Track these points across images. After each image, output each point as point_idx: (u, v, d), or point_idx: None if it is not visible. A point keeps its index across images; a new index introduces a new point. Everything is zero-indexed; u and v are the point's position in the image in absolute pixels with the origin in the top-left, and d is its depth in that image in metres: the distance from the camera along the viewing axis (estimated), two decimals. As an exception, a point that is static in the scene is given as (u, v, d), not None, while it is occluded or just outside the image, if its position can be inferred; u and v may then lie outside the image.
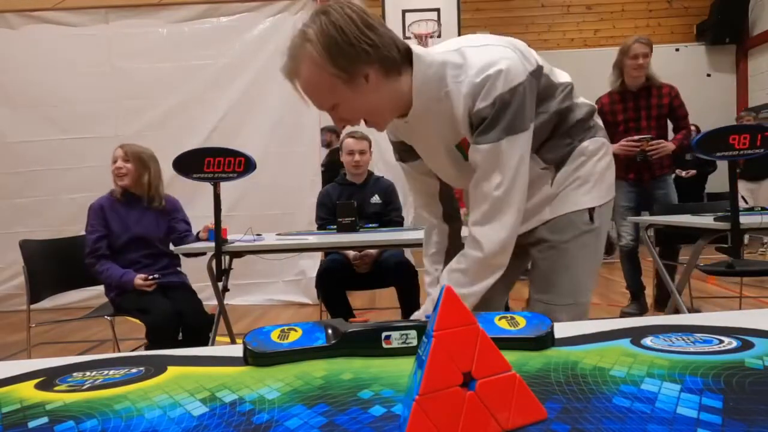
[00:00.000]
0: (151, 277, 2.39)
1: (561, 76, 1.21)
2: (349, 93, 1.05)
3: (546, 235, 1.23)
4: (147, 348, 2.30)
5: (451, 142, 1.18)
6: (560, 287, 1.21)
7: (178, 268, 2.62)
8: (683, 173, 5.88)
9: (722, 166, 4.48)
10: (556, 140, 1.21)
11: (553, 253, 1.23)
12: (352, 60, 1.01)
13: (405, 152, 1.33)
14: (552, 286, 1.22)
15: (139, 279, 2.37)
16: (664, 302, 3.21)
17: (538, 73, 1.11)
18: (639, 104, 3.21)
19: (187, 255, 2.47)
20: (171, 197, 2.69)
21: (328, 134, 5.37)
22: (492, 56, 1.06)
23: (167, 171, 2.47)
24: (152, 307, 2.30)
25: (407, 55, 1.08)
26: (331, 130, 5.34)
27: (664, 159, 3.20)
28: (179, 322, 2.35)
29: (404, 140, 1.30)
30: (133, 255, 2.47)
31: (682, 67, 7.14)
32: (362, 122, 1.14)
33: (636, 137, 3.13)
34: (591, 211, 1.23)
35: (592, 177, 1.23)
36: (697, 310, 3.23)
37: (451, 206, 1.40)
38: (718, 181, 6.01)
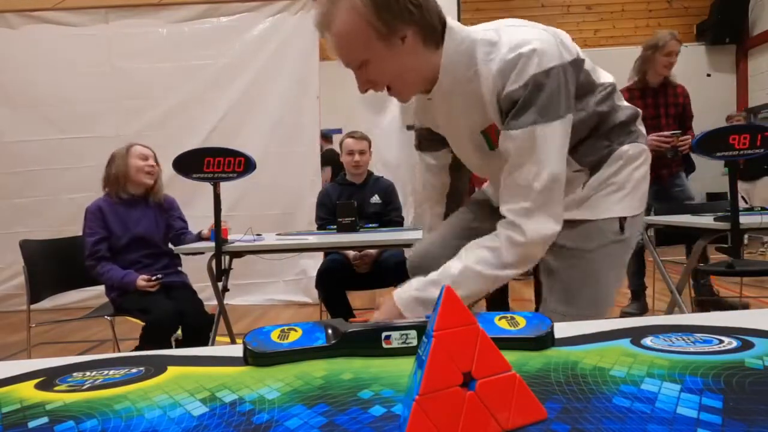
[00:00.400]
0: (154, 277, 2.39)
1: (603, 76, 1.14)
2: (383, 50, 0.98)
3: (568, 242, 1.13)
4: (137, 348, 2.29)
5: (477, 127, 1.10)
6: (582, 300, 1.13)
7: (179, 268, 2.63)
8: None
9: (702, 166, 4.48)
10: (593, 140, 1.13)
11: (575, 263, 1.14)
12: (395, 15, 0.96)
13: (429, 141, 1.27)
14: (573, 298, 1.13)
15: (141, 280, 2.37)
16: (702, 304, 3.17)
17: (577, 64, 1.04)
18: (658, 101, 3.16)
19: (186, 253, 2.47)
20: (168, 195, 2.70)
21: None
22: (527, 35, 0.99)
23: (167, 171, 2.48)
24: (154, 307, 2.30)
25: (444, 30, 1.02)
26: (322, 136, 5.34)
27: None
28: (180, 321, 2.35)
29: (428, 124, 1.23)
30: (133, 255, 2.47)
31: (682, 67, 7.09)
32: (385, 90, 1.08)
33: (667, 132, 3.05)
34: (623, 220, 1.14)
35: (629, 184, 1.15)
36: (746, 306, 3.21)
37: (454, 208, 1.38)
38: (717, 182, 6.01)
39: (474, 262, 1.02)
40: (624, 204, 1.15)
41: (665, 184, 3.24)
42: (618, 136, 1.14)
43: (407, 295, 1.04)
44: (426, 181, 1.37)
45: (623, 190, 1.14)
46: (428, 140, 1.28)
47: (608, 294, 1.15)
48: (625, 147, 1.14)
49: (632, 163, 1.15)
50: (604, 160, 1.14)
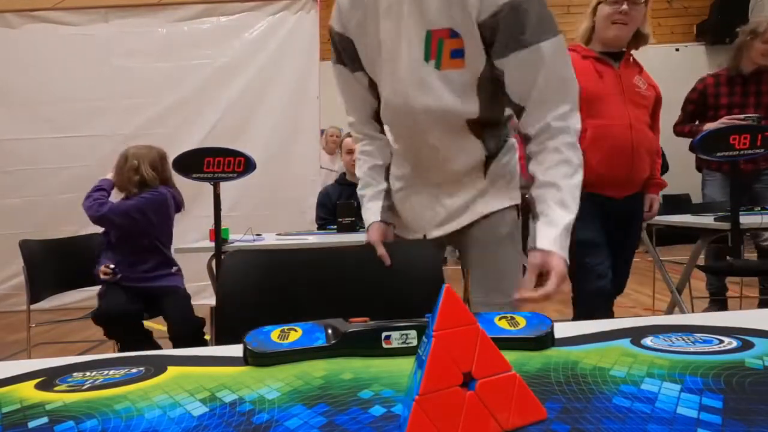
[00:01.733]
0: (111, 266, 2.37)
1: None
2: None
3: (481, 235, 1.22)
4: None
5: (425, 27, 1.05)
6: (501, 287, 1.19)
7: (173, 270, 2.60)
8: None
9: (675, 165, 4.43)
10: (497, 129, 1.20)
11: (490, 254, 1.22)
12: None
13: (350, 53, 1.18)
14: (493, 287, 1.21)
15: (101, 272, 2.36)
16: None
17: None
18: (748, 89, 2.97)
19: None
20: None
21: None
22: None
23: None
24: (109, 298, 2.32)
25: None
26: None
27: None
28: (135, 315, 2.35)
29: (351, 36, 1.15)
30: (120, 252, 2.45)
31: (682, 66, 7.13)
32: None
33: (741, 116, 2.83)
34: (518, 207, 1.24)
35: (516, 173, 1.26)
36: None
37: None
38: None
39: (563, 177, 1.02)
40: (516, 192, 1.25)
41: (744, 179, 2.93)
42: (505, 127, 1.24)
43: (557, 238, 0.99)
44: (352, 103, 1.27)
45: (515, 179, 1.26)
46: (351, 53, 1.18)
47: (518, 278, 1.21)
48: (512, 139, 1.26)
49: (516, 154, 1.28)
50: (500, 149, 1.23)
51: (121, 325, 2.33)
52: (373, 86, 1.21)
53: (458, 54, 1.05)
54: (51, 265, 2.46)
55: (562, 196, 1.01)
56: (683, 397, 0.45)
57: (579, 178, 1.03)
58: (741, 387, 0.45)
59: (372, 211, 1.29)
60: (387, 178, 1.31)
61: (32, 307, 2.32)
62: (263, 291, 1.04)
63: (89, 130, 4.49)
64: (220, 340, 0.96)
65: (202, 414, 0.47)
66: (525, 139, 1.08)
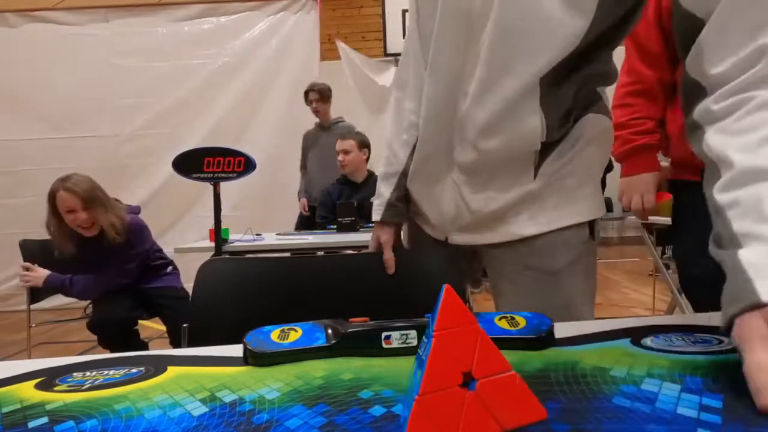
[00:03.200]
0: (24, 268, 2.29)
1: None
2: None
3: (526, 260, 0.89)
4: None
5: None
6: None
7: (168, 270, 2.59)
8: None
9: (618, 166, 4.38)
10: (567, 87, 0.80)
11: (537, 285, 0.88)
12: None
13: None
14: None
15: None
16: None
17: None
18: None
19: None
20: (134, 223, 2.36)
21: None
22: None
23: (167, 170, 2.48)
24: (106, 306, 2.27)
25: None
26: None
27: None
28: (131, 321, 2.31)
29: None
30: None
31: (682, 66, 7.12)
32: None
33: None
34: (592, 224, 0.89)
35: (594, 172, 0.88)
36: None
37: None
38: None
39: None
40: (592, 201, 0.88)
41: None
42: (588, 93, 0.83)
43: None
44: (416, 63, 0.92)
45: (589, 182, 0.87)
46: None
47: (580, 312, 0.88)
48: (590, 115, 0.86)
49: (594, 143, 0.86)
50: (563, 135, 0.84)
51: (115, 334, 2.32)
52: None
53: None
54: (51, 265, 2.46)
55: None
56: (683, 397, 0.45)
57: None
58: (741, 387, 0.45)
59: (378, 203, 1.03)
60: (412, 154, 0.97)
61: (32, 307, 2.32)
62: (234, 300, 0.97)
63: (89, 130, 4.50)
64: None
65: (202, 414, 0.47)
66: (692, 95, 0.58)
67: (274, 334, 0.64)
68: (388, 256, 0.98)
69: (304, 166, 4.01)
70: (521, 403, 0.42)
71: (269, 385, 0.53)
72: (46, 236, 2.69)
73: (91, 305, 2.45)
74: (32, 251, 2.41)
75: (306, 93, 3.85)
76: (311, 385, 0.53)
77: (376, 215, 1.04)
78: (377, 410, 0.46)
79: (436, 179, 0.95)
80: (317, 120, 3.92)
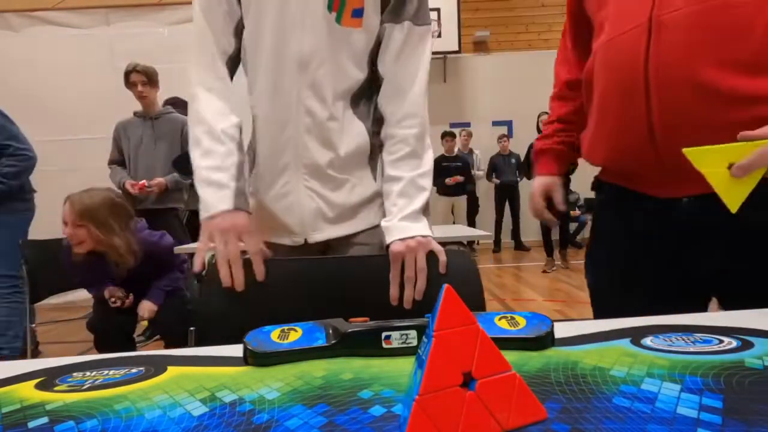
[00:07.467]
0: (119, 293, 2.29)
1: None
2: None
3: (368, 239, 1.06)
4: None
5: None
6: None
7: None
8: (449, 180, 6.39)
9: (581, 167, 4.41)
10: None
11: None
12: None
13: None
14: None
15: (110, 297, 2.23)
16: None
17: None
18: None
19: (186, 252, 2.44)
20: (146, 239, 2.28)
21: None
22: None
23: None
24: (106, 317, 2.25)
25: None
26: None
27: None
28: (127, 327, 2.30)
29: None
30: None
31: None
32: None
33: None
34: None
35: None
36: None
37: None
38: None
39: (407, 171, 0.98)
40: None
41: None
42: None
43: None
44: (213, 31, 1.04)
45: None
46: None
47: None
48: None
49: None
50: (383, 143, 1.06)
51: (115, 334, 2.32)
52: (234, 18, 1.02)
53: (358, 14, 0.99)
54: (51, 265, 2.46)
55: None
56: (683, 397, 0.45)
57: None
58: (741, 387, 0.45)
59: (217, 188, 0.98)
60: (240, 148, 1.08)
61: (32, 306, 2.32)
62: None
63: (90, 132, 4.51)
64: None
65: (202, 414, 0.47)
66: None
67: (274, 334, 0.64)
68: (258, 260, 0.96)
69: (116, 162, 3.33)
70: (521, 403, 0.42)
71: (269, 385, 0.53)
72: (47, 237, 2.69)
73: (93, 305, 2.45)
74: (32, 251, 2.42)
75: (127, 74, 3.30)
76: (311, 385, 0.53)
77: (224, 203, 0.98)
78: (377, 410, 0.46)
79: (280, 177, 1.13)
80: (140, 108, 3.36)
